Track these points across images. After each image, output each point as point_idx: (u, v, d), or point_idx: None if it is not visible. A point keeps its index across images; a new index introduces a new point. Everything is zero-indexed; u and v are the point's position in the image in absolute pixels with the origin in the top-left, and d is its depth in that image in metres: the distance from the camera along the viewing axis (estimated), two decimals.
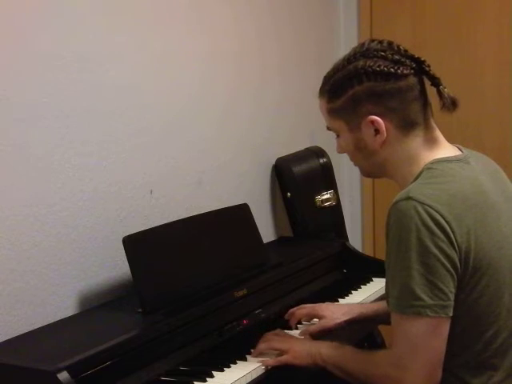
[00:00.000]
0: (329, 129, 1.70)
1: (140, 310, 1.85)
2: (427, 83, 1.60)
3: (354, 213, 3.44)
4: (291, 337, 1.89)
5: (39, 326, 1.84)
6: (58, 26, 1.90)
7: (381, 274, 2.33)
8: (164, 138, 2.28)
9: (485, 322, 1.52)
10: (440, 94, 1.58)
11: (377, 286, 2.38)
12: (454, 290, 1.46)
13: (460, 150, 1.64)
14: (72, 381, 1.48)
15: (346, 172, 3.35)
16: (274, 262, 2.28)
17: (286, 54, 2.92)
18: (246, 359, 1.79)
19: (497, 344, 1.53)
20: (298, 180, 2.74)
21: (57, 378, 1.46)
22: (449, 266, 1.45)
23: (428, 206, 1.45)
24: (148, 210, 2.20)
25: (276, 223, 2.83)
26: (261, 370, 1.74)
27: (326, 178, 2.81)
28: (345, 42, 3.31)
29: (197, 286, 1.98)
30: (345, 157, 1.75)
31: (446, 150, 1.61)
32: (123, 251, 1.88)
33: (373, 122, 1.58)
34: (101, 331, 1.79)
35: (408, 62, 1.57)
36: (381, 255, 2.38)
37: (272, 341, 1.82)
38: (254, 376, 1.72)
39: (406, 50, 1.59)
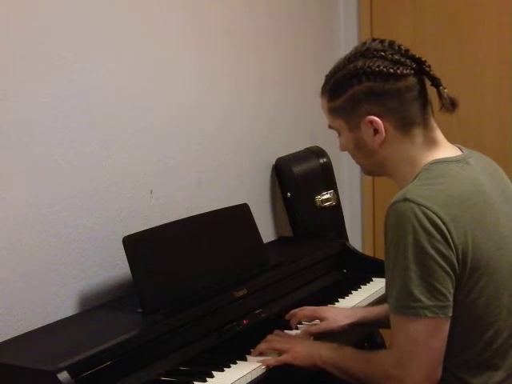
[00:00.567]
0: (330, 127, 1.70)
1: (140, 310, 1.85)
2: (428, 83, 1.60)
3: (354, 213, 3.43)
4: (291, 337, 1.90)
5: (39, 326, 1.84)
6: (58, 26, 1.90)
7: (381, 274, 2.32)
8: (164, 138, 2.28)
9: (484, 322, 1.52)
10: (440, 94, 1.58)
11: (377, 286, 2.38)
12: (452, 291, 1.47)
13: (460, 150, 1.64)
14: (72, 381, 1.48)
15: (346, 172, 3.35)
16: (273, 262, 2.28)
17: (286, 54, 2.92)
18: (245, 359, 1.79)
19: (497, 344, 1.53)
20: (298, 180, 2.74)
21: (57, 377, 1.46)
22: (446, 266, 1.45)
23: (425, 207, 1.45)
24: (148, 210, 2.20)
25: (276, 223, 2.83)
26: (261, 370, 1.74)
27: (326, 178, 2.81)
28: (345, 42, 3.31)
29: (197, 286, 1.98)
30: (345, 157, 1.76)
31: (446, 150, 1.61)
32: (123, 251, 1.88)
33: (372, 122, 1.58)
34: (101, 331, 1.79)
35: (408, 62, 1.57)
36: (381, 255, 2.38)
37: (272, 341, 1.82)
38: (254, 376, 1.72)
39: (407, 50, 1.59)
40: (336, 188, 2.84)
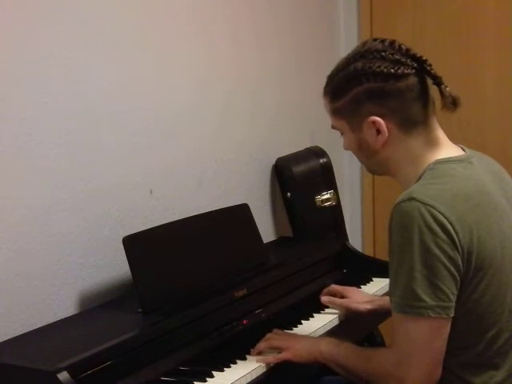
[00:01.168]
0: (333, 127, 1.70)
1: (140, 310, 1.85)
2: (430, 82, 1.60)
3: (354, 213, 3.43)
4: (290, 335, 1.91)
5: (39, 326, 1.84)
6: (58, 26, 1.90)
7: (381, 274, 2.35)
8: (164, 137, 2.28)
9: (487, 321, 1.52)
10: (441, 93, 1.58)
11: (377, 285, 2.38)
12: (455, 292, 1.47)
13: (463, 150, 1.64)
14: (72, 381, 1.48)
15: (346, 172, 3.35)
16: (273, 261, 2.28)
17: (286, 53, 2.92)
18: (246, 359, 1.79)
19: (499, 344, 1.54)
20: (298, 180, 2.74)
21: (57, 378, 1.46)
22: (451, 267, 1.45)
23: (431, 206, 1.45)
24: (148, 210, 2.20)
25: (276, 223, 2.83)
26: (261, 370, 1.74)
27: (326, 178, 2.81)
28: (345, 42, 3.31)
29: (197, 286, 1.98)
30: (345, 157, 1.76)
31: (449, 149, 1.61)
32: (123, 251, 1.88)
33: (374, 122, 1.58)
34: (101, 331, 1.79)
35: (409, 61, 1.56)
36: (381, 255, 2.39)
37: (271, 339, 1.82)
38: (254, 376, 1.72)
39: (407, 50, 1.59)
40: (336, 188, 2.84)
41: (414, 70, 1.56)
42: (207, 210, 2.23)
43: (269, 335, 1.85)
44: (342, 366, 1.64)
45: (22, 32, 1.82)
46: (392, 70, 1.55)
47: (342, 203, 2.89)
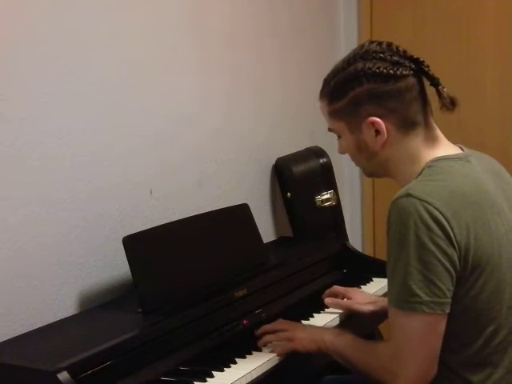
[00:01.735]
0: (330, 130, 1.71)
1: (140, 310, 1.85)
2: (426, 83, 1.61)
3: (354, 213, 3.44)
4: (294, 324, 1.91)
5: (39, 326, 1.84)
6: (58, 27, 1.90)
7: (381, 274, 2.34)
8: (164, 138, 2.28)
9: (485, 318, 1.53)
10: (439, 93, 1.59)
11: (377, 285, 2.38)
12: (451, 288, 1.47)
13: (461, 149, 1.65)
14: (72, 381, 1.48)
15: (346, 172, 3.35)
16: (273, 261, 2.28)
17: (286, 54, 2.92)
18: (246, 359, 1.79)
19: (497, 341, 1.54)
20: (298, 180, 2.74)
21: (57, 378, 1.46)
22: (446, 263, 1.45)
23: (427, 202, 1.46)
24: (148, 210, 2.20)
25: (276, 223, 2.83)
26: (261, 370, 1.75)
27: (326, 178, 2.81)
28: (345, 43, 3.31)
29: (197, 286, 1.98)
30: (345, 157, 1.76)
31: (447, 148, 1.62)
32: (123, 251, 1.89)
33: (373, 123, 1.59)
34: (101, 331, 1.79)
35: (407, 62, 1.58)
36: (381, 255, 2.39)
37: (277, 333, 1.84)
38: (254, 376, 1.72)
39: (404, 51, 1.60)
40: (336, 188, 2.84)
41: (412, 71, 1.58)
42: (207, 210, 2.23)
43: (275, 325, 1.86)
44: (343, 357, 1.66)
45: (23, 32, 1.82)
46: (391, 71, 1.56)
47: (342, 203, 2.90)
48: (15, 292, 1.81)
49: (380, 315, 2.05)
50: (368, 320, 2.16)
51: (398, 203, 1.49)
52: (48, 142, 1.89)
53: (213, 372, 1.70)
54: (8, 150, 1.79)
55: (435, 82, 1.59)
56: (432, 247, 1.45)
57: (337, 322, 2.10)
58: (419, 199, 1.46)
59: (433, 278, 1.45)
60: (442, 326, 1.48)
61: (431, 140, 1.61)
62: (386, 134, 1.59)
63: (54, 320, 1.88)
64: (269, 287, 2.16)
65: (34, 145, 1.85)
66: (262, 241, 2.31)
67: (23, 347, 1.71)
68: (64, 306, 1.93)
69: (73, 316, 1.94)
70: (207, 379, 1.68)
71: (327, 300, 2.13)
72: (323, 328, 1.90)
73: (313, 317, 2.11)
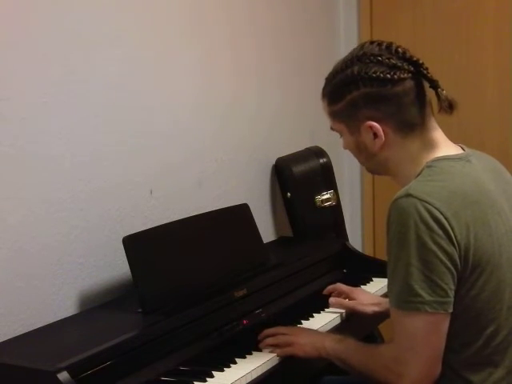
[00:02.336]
0: (332, 129, 1.71)
1: (140, 310, 1.85)
2: (427, 84, 1.61)
3: (354, 213, 3.44)
4: (295, 329, 1.91)
5: (39, 326, 1.84)
6: (58, 27, 1.90)
7: (381, 274, 2.34)
8: (164, 138, 2.28)
9: (485, 318, 1.53)
10: (438, 96, 1.59)
11: (377, 285, 2.39)
12: (453, 287, 1.47)
13: (462, 149, 1.65)
14: (72, 381, 1.48)
15: (346, 172, 3.35)
16: (273, 261, 2.28)
17: (286, 54, 2.92)
18: (246, 359, 1.79)
19: (497, 341, 1.54)
20: (298, 180, 2.74)
21: (57, 378, 1.46)
22: (448, 262, 1.45)
23: (427, 202, 1.46)
24: (148, 210, 2.20)
25: (276, 223, 2.83)
26: (261, 370, 1.74)
27: (326, 178, 2.81)
28: (345, 43, 3.31)
29: (197, 286, 1.98)
30: (345, 157, 1.76)
31: (448, 148, 1.62)
32: (123, 251, 1.88)
33: (371, 127, 1.59)
34: (101, 331, 1.79)
35: (405, 65, 1.57)
36: (381, 255, 2.39)
37: (278, 335, 1.83)
38: (254, 376, 1.72)
39: (404, 53, 1.59)
40: (336, 188, 2.84)
41: (410, 74, 1.57)
42: (207, 210, 2.23)
43: (276, 330, 1.86)
44: (344, 361, 1.66)
45: (22, 32, 1.82)
46: (388, 76, 1.55)
47: (342, 203, 2.90)
48: (15, 292, 1.81)
49: (384, 317, 2.04)
50: (369, 320, 2.16)
51: (398, 203, 1.49)
52: (48, 141, 1.89)
53: (213, 372, 1.70)
54: (8, 149, 1.79)
55: (434, 85, 1.59)
56: (433, 247, 1.45)
57: (337, 321, 2.10)
58: (419, 199, 1.46)
59: (434, 278, 1.45)
60: (444, 325, 1.48)
61: (431, 141, 1.61)
62: (383, 137, 1.59)
63: (54, 320, 1.88)
64: (269, 287, 2.16)
65: (34, 145, 1.85)
66: (261, 241, 2.31)
67: (23, 347, 1.71)
68: (64, 306, 1.93)
69: (73, 316, 1.94)
70: (207, 379, 1.68)
71: (331, 300, 2.14)
72: (324, 333, 1.89)
73: (313, 317, 2.11)
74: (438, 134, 1.63)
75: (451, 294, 1.47)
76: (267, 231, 2.74)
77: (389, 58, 1.57)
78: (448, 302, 1.47)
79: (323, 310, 2.15)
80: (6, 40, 1.78)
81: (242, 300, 2.03)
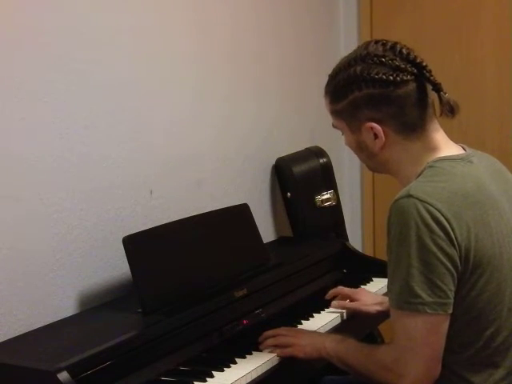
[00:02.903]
0: (334, 126, 1.71)
1: (140, 310, 1.85)
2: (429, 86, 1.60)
3: (354, 213, 3.44)
4: (297, 331, 1.91)
5: (39, 326, 1.84)
6: (58, 26, 1.90)
7: (381, 274, 2.35)
8: (164, 138, 2.28)
9: (485, 319, 1.53)
10: (440, 99, 1.58)
11: (377, 285, 2.39)
12: (453, 288, 1.47)
13: (464, 150, 1.65)
14: (72, 381, 1.47)
15: (346, 172, 3.35)
16: (273, 262, 2.28)
17: (286, 53, 2.92)
18: (245, 359, 1.79)
19: (497, 342, 1.54)
20: (298, 180, 2.74)
21: (57, 378, 1.46)
22: (448, 264, 1.45)
23: (428, 203, 1.46)
24: (148, 210, 2.20)
25: (276, 223, 2.83)
26: (261, 370, 1.74)
27: (325, 178, 2.81)
28: (345, 43, 3.31)
29: (197, 286, 1.98)
30: (345, 157, 1.76)
31: (449, 149, 1.62)
32: (123, 251, 1.88)
33: (372, 127, 1.59)
34: (101, 331, 1.79)
35: (408, 67, 1.56)
36: (381, 255, 2.39)
37: (278, 336, 1.83)
38: (254, 376, 1.72)
39: (408, 54, 1.58)
40: (336, 188, 2.84)
41: (413, 76, 1.56)
42: (207, 210, 2.23)
43: (276, 331, 1.86)
44: (344, 362, 1.66)
45: (22, 32, 1.81)
46: (391, 78, 1.55)
47: (341, 203, 2.89)
48: (15, 292, 1.81)
49: (386, 315, 2.05)
50: (369, 320, 2.15)
51: (399, 204, 1.48)
52: (48, 141, 1.89)
53: (213, 372, 1.70)
54: (8, 149, 1.79)
55: (437, 88, 1.58)
56: (433, 248, 1.44)
57: (337, 321, 2.10)
58: (420, 200, 1.46)
59: (434, 279, 1.45)
60: (444, 326, 1.48)
61: (432, 142, 1.60)
62: (383, 139, 1.59)
63: (54, 320, 1.88)
64: (269, 287, 2.16)
65: (34, 145, 1.85)
66: (262, 241, 2.31)
67: (23, 347, 1.71)
68: (64, 306, 1.93)
69: (73, 316, 1.93)
70: (207, 379, 1.68)
71: (334, 303, 2.14)
72: (325, 334, 1.89)
73: (313, 317, 2.11)
74: (440, 135, 1.62)
75: (451, 295, 1.47)
76: (267, 231, 2.74)
77: (392, 60, 1.56)
78: (448, 303, 1.47)
79: (323, 310, 2.15)
80: (6, 39, 1.77)
81: (242, 300, 2.03)
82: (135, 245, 1.89)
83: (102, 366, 1.59)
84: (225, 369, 1.73)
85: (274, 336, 1.84)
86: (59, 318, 1.90)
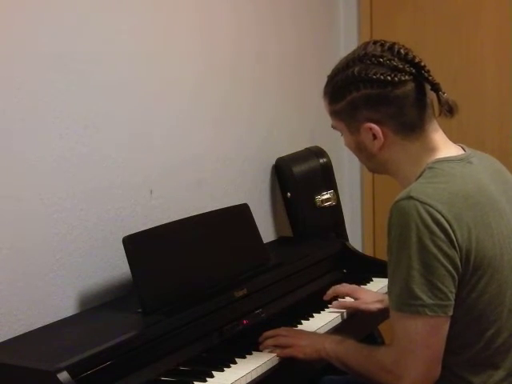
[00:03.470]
0: (333, 127, 1.71)
1: (140, 310, 1.85)
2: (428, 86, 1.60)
3: (354, 213, 3.44)
4: (296, 331, 1.91)
5: (39, 325, 1.84)
6: (58, 26, 1.90)
7: (381, 274, 2.35)
8: (164, 137, 2.28)
9: (486, 320, 1.53)
10: (439, 99, 1.58)
11: (377, 285, 2.39)
12: (454, 290, 1.47)
13: (463, 150, 1.65)
14: (72, 381, 1.48)
15: (346, 172, 3.35)
16: (273, 262, 2.28)
17: (286, 53, 2.92)
18: (245, 359, 1.79)
19: (498, 343, 1.54)
20: (298, 180, 2.74)
21: (57, 378, 1.46)
22: (449, 266, 1.45)
23: (429, 205, 1.46)
24: (148, 210, 2.20)
25: (276, 223, 2.83)
26: (261, 370, 1.74)
27: (325, 178, 2.81)
28: (345, 42, 3.31)
29: (197, 286, 1.98)
30: (345, 157, 1.76)
31: (448, 150, 1.61)
32: (123, 251, 1.88)
33: (370, 128, 1.59)
34: (101, 331, 1.79)
35: (407, 67, 1.56)
36: (381, 255, 2.39)
37: (278, 336, 1.83)
38: (254, 376, 1.72)
39: (406, 54, 1.58)
40: (336, 188, 2.84)
41: (411, 76, 1.56)
42: (207, 210, 2.23)
43: (276, 331, 1.86)
44: (344, 363, 1.65)
45: (22, 32, 1.81)
46: (389, 78, 1.55)
47: (341, 203, 2.89)
48: (15, 292, 1.81)
49: (387, 313, 2.05)
50: (369, 320, 2.15)
51: (400, 205, 1.48)
52: (48, 141, 1.89)
53: (213, 372, 1.70)
54: (8, 149, 1.79)
55: (435, 88, 1.58)
56: (434, 250, 1.44)
57: (337, 321, 2.10)
58: (421, 202, 1.46)
59: (435, 281, 1.45)
60: (444, 328, 1.48)
61: (431, 142, 1.60)
62: (382, 139, 1.59)
63: (54, 320, 1.88)
64: (269, 287, 2.16)
65: (34, 145, 1.85)
66: (262, 241, 2.31)
67: (23, 347, 1.71)
68: (64, 306, 1.93)
69: (73, 316, 1.93)
70: (207, 379, 1.68)
71: (334, 303, 2.15)
72: (324, 335, 1.89)
73: (313, 317, 2.11)
74: (439, 136, 1.62)
75: (451, 297, 1.47)
76: (267, 231, 2.74)
77: (390, 60, 1.56)
78: (448, 305, 1.46)
79: (323, 310, 2.16)
80: (6, 39, 1.77)
81: (242, 300, 2.03)
82: (135, 245, 1.89)
83: (102, 365, 1.59)
84: (225, 369, 1.73)
85: (273, 336, 1.84)
86: (59, 318, 1.90)
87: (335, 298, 2.22)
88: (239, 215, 2.28)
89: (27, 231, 1.84)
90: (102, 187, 2.05)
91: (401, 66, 1.56)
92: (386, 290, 2.20)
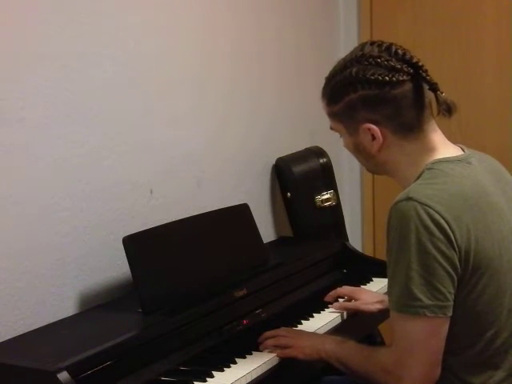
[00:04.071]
0: (332, 128, 1.71)
1: (140, 310, 1.85)
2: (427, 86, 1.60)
3: (354, 213, 3.44)
4: (296, 332, 1.92)
5: (39, 326, 1.84)
6: (57, 26, 1.90)
7: (381, 274, 2.35)
8: (164, 137, 2.28)
9: (485, 321, 1.53)
10: (437, 99, 1.58)
11: (377, 285, 2.39)
12: (453, 291, 1.47)
13: (462, 150, 1.65)
14: (72, 381, 1.48)
15: (346, 172, 3.35)
16: (273, 262, 2.28)
17: (286, 53, 2.92)
18: (246, 359, 1.79)
19: (497, 343, 1.54)
20: (298, 180, 2.74)
21: (57, 378, 1.46)
22: (448, 267, 1.45)
23: (428, 206, 1.46)
24: (148, 210, 2.20)
25: (276, 223, 2.83)
26: (261, 370, 1.75)
27: (325, 178, 2.81)
28: (345, 42, 3.31)
29: (197, 286, 1.98)
30: (345, 157, 1.76)
31: (447, 150, 1.61)
32: (123, 251, 1.88)
33: (369, 129, 1.59)
34: (101, 331, 1.79)
35: (404, 67, 1.55)
36: (381, 255, 2.39)
37: (278, 337, 1.83)
38: (254, 376, 1.72)
39: (404, 54, 1.57)
40: (336, 188, 2.84)
41: (409, 77, 1.56)
42: (207, 210, 2.23)
43: (276, 332, 1.86)
44: (344, 364, 1.65)
45: (22, 32, 1.81)
46: (387, 78, 1.54)
47: (341, 203, 2.90)
48: (15, 292, 1.81)
49: (387, 313, 2.05)
50: (369, 320, 2.15)
51: (399, 206, 1.48)
52: (48, 142, 1.89)
53: (213, 372, 1.70)
54: (8, 149, 1.79)
55: (433, 87, 1.58)
56: (433, 251, 1.44)
57: (337, 321, 2.10)
58: (420, 203, 1.46)
59: (434, 282, 1.45)
60: (444, 329, 1.48)
61: (430, 143, 1.60)
62: (381, 140, 1.59)
63: (54, 320, 1.88)
64: (269, 287, 2.16)
65: (34, 145, 1.85)
66: (262, 241, 2.31)
67: (23, 347, 1.71)
68: (64, 306, 1.93)
69: (73, 316, 1.94)
70: (207, 379, 1.68)
71: (335, 304, 2.15)
72: (324, 336, 1.89)
73: (313, 317, 2.11)
74: (438, 136, 1.62)
75: (451, 297, 1.47)
76: (267, 231, 2.74)
77: (388, 60, 1.56)
78: (447, 305, 1.46)
79: (323, 310, 2.16)
80: (6, 39, 1.77)
81: (242, 300, 2.03)
82: (135, 245, 1.90)
83: (102, 365, 1.59)
84: (225, 369, 1.73)
85: (273, 337, 1.84)
86: (59, 318, 1.90)
87: (336, 298, 2.22)
88: (239, 215, 2.28)
89: (27, 231, 1.84)
90: (102, 187, 2.05)
91: (398, 67, 1.55)
92: (385, 289, 2.21)
